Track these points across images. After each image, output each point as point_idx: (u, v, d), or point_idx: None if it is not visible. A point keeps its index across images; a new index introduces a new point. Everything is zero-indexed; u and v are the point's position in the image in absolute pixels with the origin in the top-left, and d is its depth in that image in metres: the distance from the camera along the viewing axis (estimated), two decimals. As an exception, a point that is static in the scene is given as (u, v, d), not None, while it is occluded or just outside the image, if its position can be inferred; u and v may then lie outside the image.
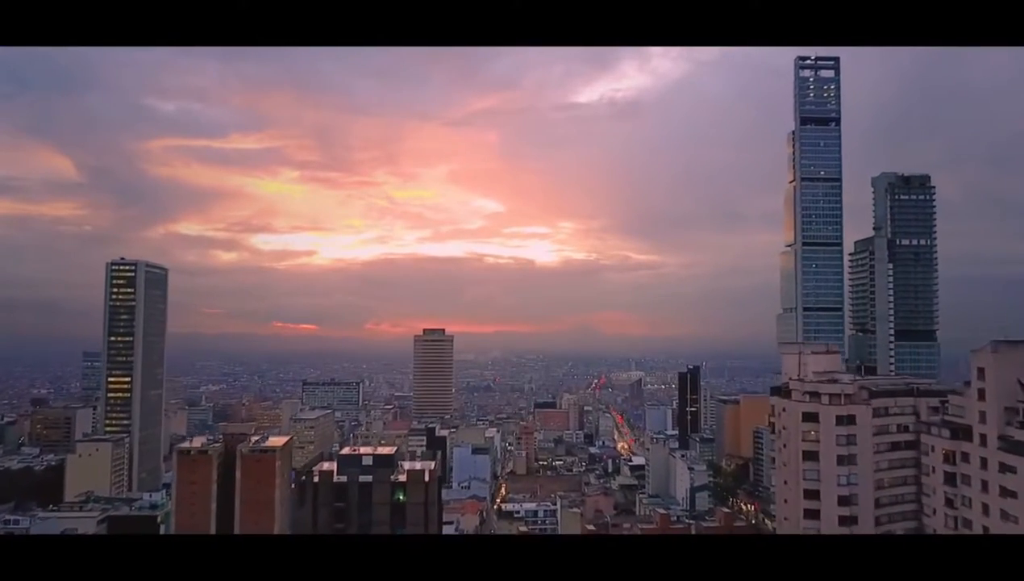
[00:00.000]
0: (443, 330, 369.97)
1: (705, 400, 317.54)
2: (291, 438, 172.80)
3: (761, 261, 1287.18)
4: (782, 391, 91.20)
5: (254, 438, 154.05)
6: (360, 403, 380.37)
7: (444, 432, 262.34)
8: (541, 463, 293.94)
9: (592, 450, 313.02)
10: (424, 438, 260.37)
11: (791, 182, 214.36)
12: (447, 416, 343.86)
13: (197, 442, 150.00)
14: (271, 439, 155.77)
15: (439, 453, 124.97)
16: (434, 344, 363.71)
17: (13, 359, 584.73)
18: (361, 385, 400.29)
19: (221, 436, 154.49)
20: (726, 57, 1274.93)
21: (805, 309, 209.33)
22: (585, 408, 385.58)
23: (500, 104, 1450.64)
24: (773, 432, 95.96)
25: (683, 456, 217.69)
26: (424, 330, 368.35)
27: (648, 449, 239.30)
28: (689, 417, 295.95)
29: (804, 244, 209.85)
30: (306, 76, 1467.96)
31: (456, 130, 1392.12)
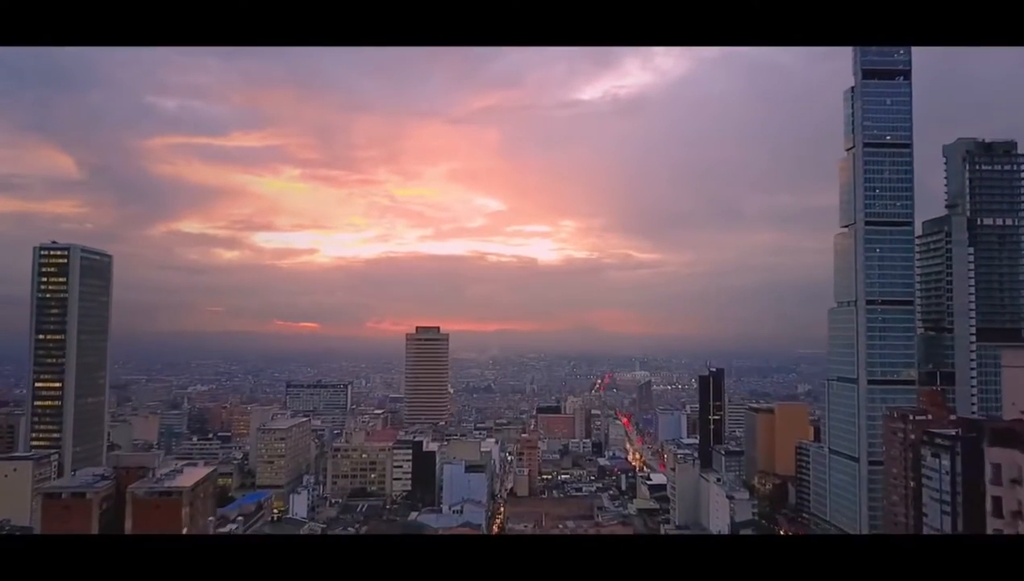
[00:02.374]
0: (438, 328, 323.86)
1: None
2: (213, 471, 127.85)
3: (764, 259, 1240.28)
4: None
5: (162, 471, 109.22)
6: (349, 407, 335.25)
7: (433, 446, 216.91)
8: (545, 477, 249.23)
9: (602, 462, 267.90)
10: (411, 452, 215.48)
11: (849, 149, 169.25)
12: (441, 422, 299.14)
13: (83, 476, 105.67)
14: (187, 472, 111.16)
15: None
16: (428, 343, 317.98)
17: (6, 358, 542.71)
18: (350, 387, 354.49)
19: (112, 470, 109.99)
20: (729, 55, 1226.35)
21: (868, 302, 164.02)
22: (592, 412, 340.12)
23: (502, 102, 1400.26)
24: (998, 516, 50.79)
25: (719, 481, 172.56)
26: (417, 328, 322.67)
27: (673, 470, 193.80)
28: (712, 426, 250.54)
29: (867, 223, 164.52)
30: (307, 74, 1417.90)
31: (458, 128, 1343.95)
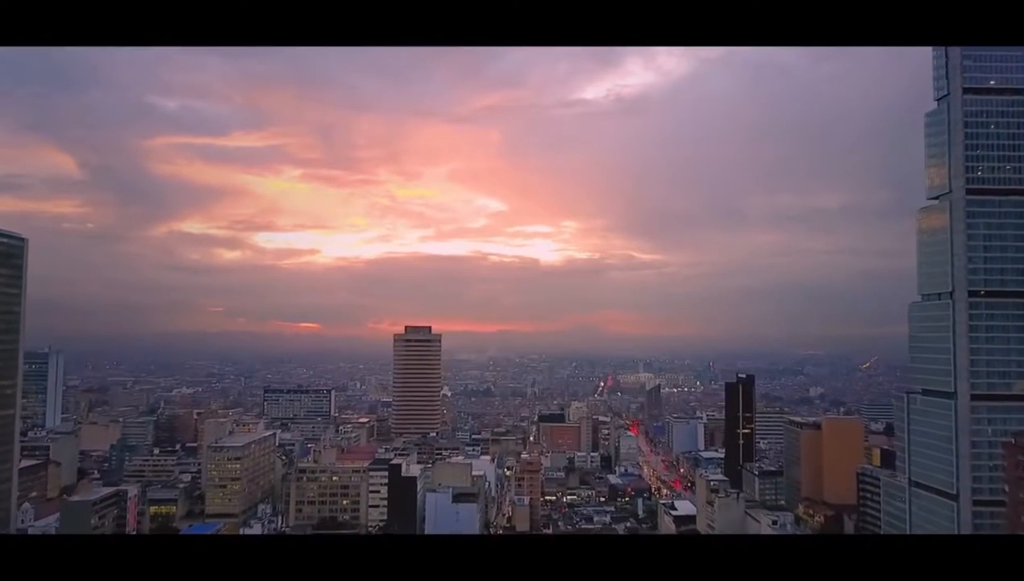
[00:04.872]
0: (429, 328, 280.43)
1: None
2: None
3: (767, 260, 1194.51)
4: None
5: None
6: (332, 413, 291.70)
7: (417, 468, 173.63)
8: (548, 499, 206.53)
9: (612, 479, 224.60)
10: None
11: (941, 98, 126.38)
12: (432, 433, 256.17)
13: None
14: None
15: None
16: (418, 345, 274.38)
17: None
18: (333, 393, 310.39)
19: None
20: (731, 55, 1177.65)
21: (971, 294, 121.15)
22: (599, 419, 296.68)
23: (504, 101, 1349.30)
24: None
25: (775, 524, 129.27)
26: (406, 327, 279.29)
27: (711, 504, 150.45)
28: (741, 441, 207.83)
29: (969, 192, 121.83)
30: (309, 73, 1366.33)
31: (459, 128, 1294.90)
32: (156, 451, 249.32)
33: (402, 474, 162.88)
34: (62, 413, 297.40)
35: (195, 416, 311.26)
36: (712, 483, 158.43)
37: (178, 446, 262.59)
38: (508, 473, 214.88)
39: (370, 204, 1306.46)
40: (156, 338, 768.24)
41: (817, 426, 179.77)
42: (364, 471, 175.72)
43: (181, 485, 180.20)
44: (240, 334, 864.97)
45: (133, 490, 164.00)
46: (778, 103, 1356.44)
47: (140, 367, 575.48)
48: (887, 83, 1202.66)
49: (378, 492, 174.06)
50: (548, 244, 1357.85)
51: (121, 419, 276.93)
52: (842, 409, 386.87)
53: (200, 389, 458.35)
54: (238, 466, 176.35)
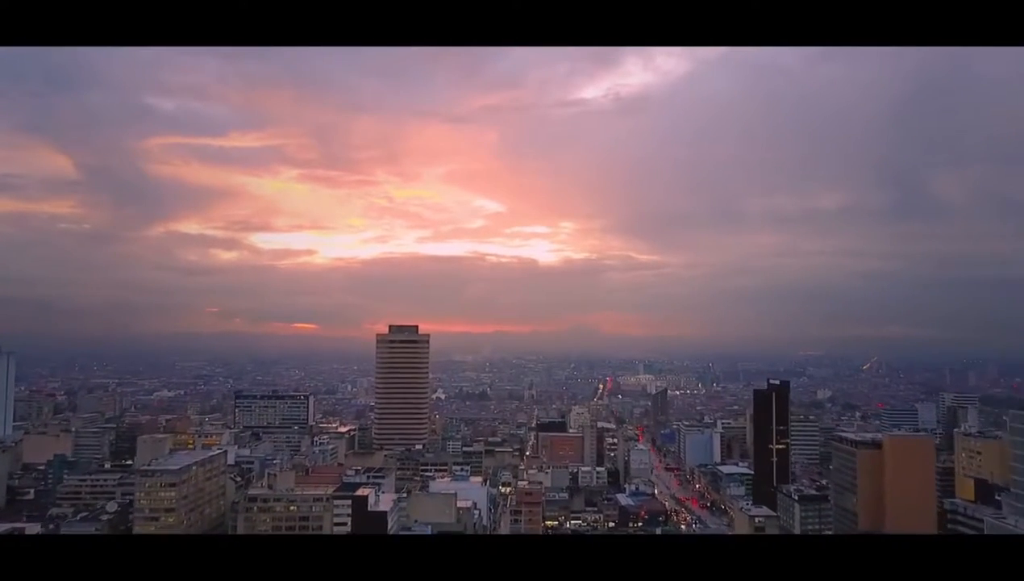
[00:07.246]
0: (415, 327, 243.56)
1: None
2: None
3: (766, 261, 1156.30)
4: None
5: None
6: (310, 421, 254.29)
7: (388, 499, 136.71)
8: (549, 525, 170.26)
9: (623, 500, 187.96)
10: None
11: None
12: (418, 446, 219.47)
13: None
14: None
15: None
16: (403, 346, 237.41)
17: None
18: (312, 399, 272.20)
19: None
20: (730, 55, 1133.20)
21: None
22: (603, 427, 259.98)
23: (503, 101, 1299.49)
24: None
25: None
26: (390, 327, 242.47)
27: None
28: (775, 458, 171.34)
29: None
30: (307, 74, 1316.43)
31: (458, 128, 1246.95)
32: (107, 464, 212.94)
33: (368, 508, 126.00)
34: (14, 421, 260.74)
35: (163, 423, 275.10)
36: (758, 520, 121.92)
37: (135, 459, 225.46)
38: (505, 491, 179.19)
39: (368, 205, 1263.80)
40: (151, 339, 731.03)
41: (876, 445, 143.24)
42: (327, 499, 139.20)
43: (106, 516, 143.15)
44: (236, 335, 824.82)
45: (36, 526, 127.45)
46: (777, 103, 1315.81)
47: (128, 369, 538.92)
48: (886, 83, 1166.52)
49: (345, 524, 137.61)
50: (546, 245, 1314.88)
51: (73, 428, 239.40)
52: (858, 413, 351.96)
53: (183, 392, 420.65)
54: (173, 494, 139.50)
